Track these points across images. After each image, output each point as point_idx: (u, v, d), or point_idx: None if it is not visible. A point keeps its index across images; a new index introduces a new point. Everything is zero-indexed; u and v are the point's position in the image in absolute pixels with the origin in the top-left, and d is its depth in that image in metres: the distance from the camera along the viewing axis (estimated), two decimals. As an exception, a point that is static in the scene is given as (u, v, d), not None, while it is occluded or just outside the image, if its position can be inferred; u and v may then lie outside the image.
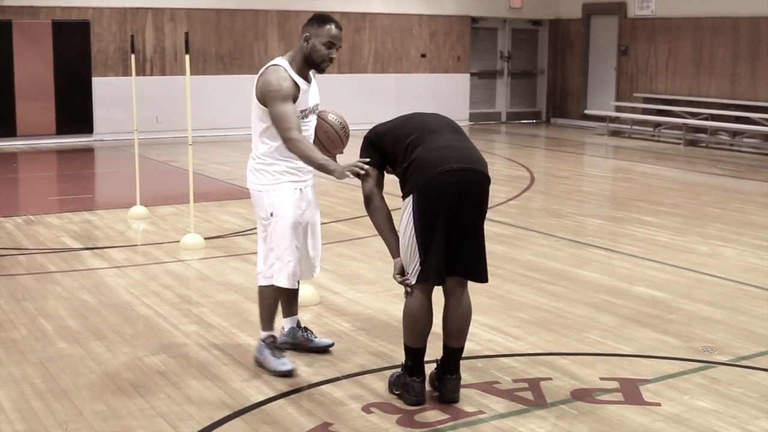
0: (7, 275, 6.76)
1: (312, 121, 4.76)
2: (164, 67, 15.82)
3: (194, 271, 7.00)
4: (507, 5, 19.17)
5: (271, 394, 4.47)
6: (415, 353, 4.33)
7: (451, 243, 4.19)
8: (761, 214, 9.50)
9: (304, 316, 5.56)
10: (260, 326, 4.87)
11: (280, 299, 4.88)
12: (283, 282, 4.72)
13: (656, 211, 9.53)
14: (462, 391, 4.41)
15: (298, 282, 4.85)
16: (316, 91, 4.80)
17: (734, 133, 15.72)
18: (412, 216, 4.19)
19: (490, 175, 4.27)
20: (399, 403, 4.34)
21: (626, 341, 5.33)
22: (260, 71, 4.67)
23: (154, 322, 5.67)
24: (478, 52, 19.28)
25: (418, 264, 4.21)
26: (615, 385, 4.62)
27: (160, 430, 4.07)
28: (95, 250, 7.58)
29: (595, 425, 4.12)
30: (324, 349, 5.07)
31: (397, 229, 4.36)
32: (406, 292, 4.32)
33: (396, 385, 4.43)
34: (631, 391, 4.52)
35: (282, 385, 4.58)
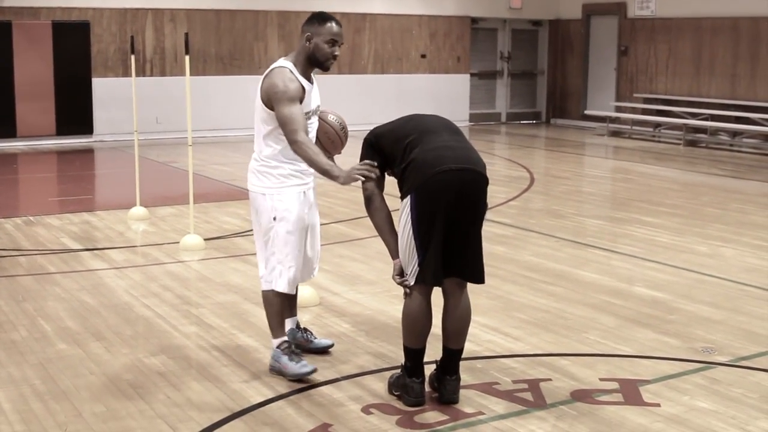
0: (7, 276, 6.76)
1: (314, 122, 4.75)
2: (164, 68, 15.83)
3: (194, 272, 7.00)
4: (507, 6, 19.17)
5: (271, 395, 4.47)
6: (414, 354, 4.33)
7: (448, 244, 4.19)
8: (761, 214, 9.50)
9: (304, 317, 5.56)
10: (271, 334, 4.81)
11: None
12: (282, 287, 4.70)
13: (656, 211, 9.53)
14: (462, 392, 4.41)
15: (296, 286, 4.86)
16: (317, 93, 4.80)
17: (734, 134, 15.72)
18: (409, 217, 4.19)
19: (488, 175, 4.27)
20: (398, 404, 4.34)
21: (626, 342, 5.32)
22: (265, 73, 4.65)
23: (154, 323, 5.67)
24: (478, 52, 19.28)
25: (416, 265, 4.21)
26: (615, 385, 4.62)
27: (160, 431, 4.08)
28: (95, 251, 7.58)
29: (595, 426, 4.12)
30: (323, 350, 5.06)
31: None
32: (405, 293, 4.32)
33: (395, 386, 4.43)
34: (630, 392, 4.52)
35: (281, 387, 4.58)
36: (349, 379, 4.70)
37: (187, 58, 7.48)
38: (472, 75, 19.09)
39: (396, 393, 4.42)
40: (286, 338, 4.78)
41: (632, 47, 17.94)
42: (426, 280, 4.22)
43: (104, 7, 15.29)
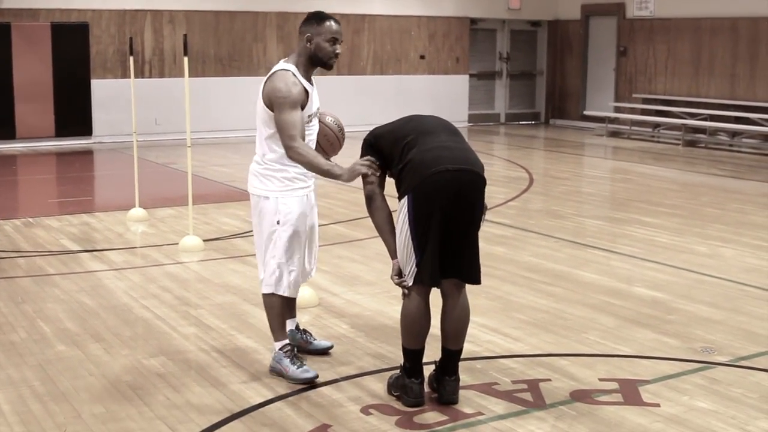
0: (6, 278, 6.75)
1: (315, 124, 4.72)
2: (163, 69, 15.82)
3: (193, 273, 7.00)
4: (506, 6, 19.18)
5: (270, 396, 4.47)
6: (413, 355, 4.32)
7: (445, 244, 4.19)
8: (760, 214, 9.50)
9: (303, 318, 5.56)
10: (272, 337, 4.79)
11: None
12: (285, 291, 4.69)
13: (655, 211, 9.53)
14: (461, 392, 4.40)
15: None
16: (317, 94, 4.78)
17: (733, 134, 15.73)
18: (407, 217, 4.19)
19: (487, 176, 4.27)
20: (398, 405, 4.33)
21: (625, 342, 5.32)
22: (267, 75, 4.61)
23: (153, 324, 5.67)
24: (477, 53, 19.28)
25: (414, 266, 4.21)
26: (614, 386, 4.61)
27: (159, 433, 4.07)
28: (94, 253, 7.58)
29: (594, 426, 4.12)
30: (323, 352, 5.05)
31: (395, 231, 4.36)
32: (404, 294, 4.32)
33: (395, 387, 4.43)
34: (630, 392, 4.52)
35: (281, 387, 4.58)
36: (349, 379, 4.70)
37: (185, 59, 7.48)
38: (471, 76, 19.10)
39: (395, 393, 4.41)
40: (288, 341, 4.78)
41: (631, 48, 17.94)
42: (424, 281, 4.22)
43: (103, 9, 15.29)
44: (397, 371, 4.47)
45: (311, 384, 4.58)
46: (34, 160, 13.95)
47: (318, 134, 4.76)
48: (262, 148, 4.64)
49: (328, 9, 4.85)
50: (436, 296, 4.34)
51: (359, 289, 6.46)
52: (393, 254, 4.36)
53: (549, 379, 4.69)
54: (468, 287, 4.36)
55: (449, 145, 4.25)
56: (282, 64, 4.62)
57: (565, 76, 19.66)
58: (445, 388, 4.35)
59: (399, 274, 4.31)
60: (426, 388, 4.40)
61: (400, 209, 4.24)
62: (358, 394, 4.49)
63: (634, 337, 5.41)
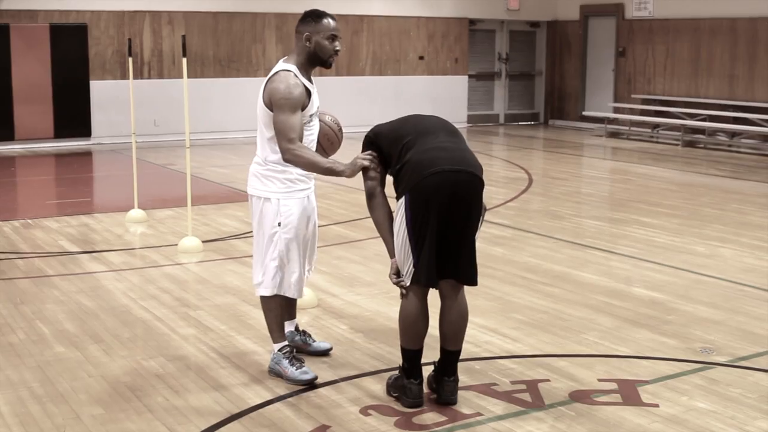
0: (5, 279, 6.75)
1: (315, 124, 4.70)
2: (162, 71, 15.82)
3: (192, 274, 7.00)
4: (505, 7, 19.18)
5: (269, 397, 4.47)
6: (412, 355, 4.32)
7: (442, 245, 4.18)
8: (759, 214, 9.50)
9: (302, 319, 5.56)
10: (271, 339, 4.78)
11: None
12: (292, 292, 4.69)
13: (654, 212, 9.53)
14: (460, 393, 4.41)
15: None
16: (317, 94, 4.77)
17: (732, 134, 15.73)
18: (404, 218, 4.19)
19: (485, 177, 4.27)
20: (397, 406, 4.33)
21: (624, 342, 5.32)
22: (268, 76, 4.58)
23: (152, 325, 5.67)
24: (476, 54, 19.29)
25: (411, 266, 4.21)
26: (613, 386, 4.61)
27: (158, 434, 4.07)
28: (93, 254, 7.58)
29: (593, 426, 4.12)
30: (322, 353, 5.05)
31: (394, 231, 4.35)
32: (402, 294, 4.32)
33: (394, 388, 4.43)
34: (629, 392, 4.52)
35: (280, 388, 4.58)
36: (348, 380, 4.69)
37: (184, 60, 7.48)
38: (470, 76, 19.10)
39: (394, 394, 4.41)
40: (287, 343, 4.77)
41: (630, 48, 17.95)
42: (421, 281, 4.22)
43: (102, 10, 15.29)
44: (396, 372, 4.47)
45: (310, 385, 4.59)
46: (33, 161, 13.95)
47: (319, 134, 4.75)
48: (263, 150, 4.61)
49: (326, 9, 4.83)
50: (435, 297, 4.34)
51: (358, 290, 6.46)
52: (391, 252, 4.35)
53: (548, 380, 4.69)
54: (467, 288, 4.36)
55: (447, 146, 4.24)
56: (282, 65, 4.59)
57: (564, 77, 19.66)
58: (444, 388, 4.35)
59: (397, 273, 4.31)
60: (425, 389, 4.40)
61: (397, 209, 4.25)
62: (357, 395, 4.49)
63: (633, 338, 5.41)
